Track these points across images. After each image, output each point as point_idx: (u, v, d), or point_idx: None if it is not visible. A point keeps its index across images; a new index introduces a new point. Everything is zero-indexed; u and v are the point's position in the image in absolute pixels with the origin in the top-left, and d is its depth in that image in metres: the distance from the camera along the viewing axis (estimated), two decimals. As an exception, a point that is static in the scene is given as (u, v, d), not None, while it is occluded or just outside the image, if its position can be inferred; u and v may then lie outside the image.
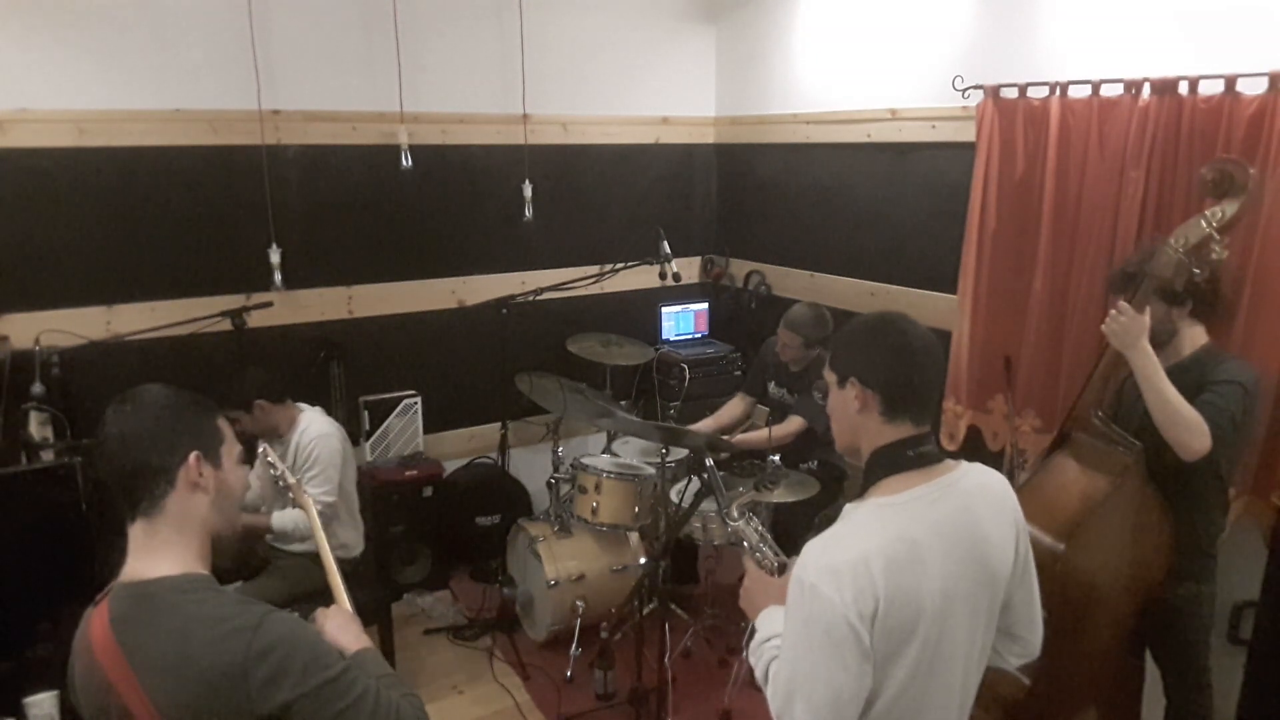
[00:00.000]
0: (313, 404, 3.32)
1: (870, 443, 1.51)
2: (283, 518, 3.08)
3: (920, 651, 1.42)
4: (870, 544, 1.40)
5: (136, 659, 1.30)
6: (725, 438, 3.70)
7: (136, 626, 1.32)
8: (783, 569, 1.76)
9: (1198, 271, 2.14)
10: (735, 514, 1.96)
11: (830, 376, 1.56)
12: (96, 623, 1.35)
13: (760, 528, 1.92)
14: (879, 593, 1.37)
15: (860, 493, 1.52)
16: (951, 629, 1.46)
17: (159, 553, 1.38)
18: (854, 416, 1.50)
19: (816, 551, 1.43)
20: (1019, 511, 1.58)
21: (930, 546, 1.42)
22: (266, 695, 1.27)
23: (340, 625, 1.58)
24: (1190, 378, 2.21)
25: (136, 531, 1.39)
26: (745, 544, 1.88)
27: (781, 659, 1.46)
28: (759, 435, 3.52)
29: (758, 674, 1.55)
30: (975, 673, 1.56)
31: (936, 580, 1.42)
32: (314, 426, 3.16)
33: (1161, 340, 2.25)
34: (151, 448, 1.38)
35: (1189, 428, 2.11)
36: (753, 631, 1.64)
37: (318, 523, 1.97)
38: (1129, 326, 2.18)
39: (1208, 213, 2.11)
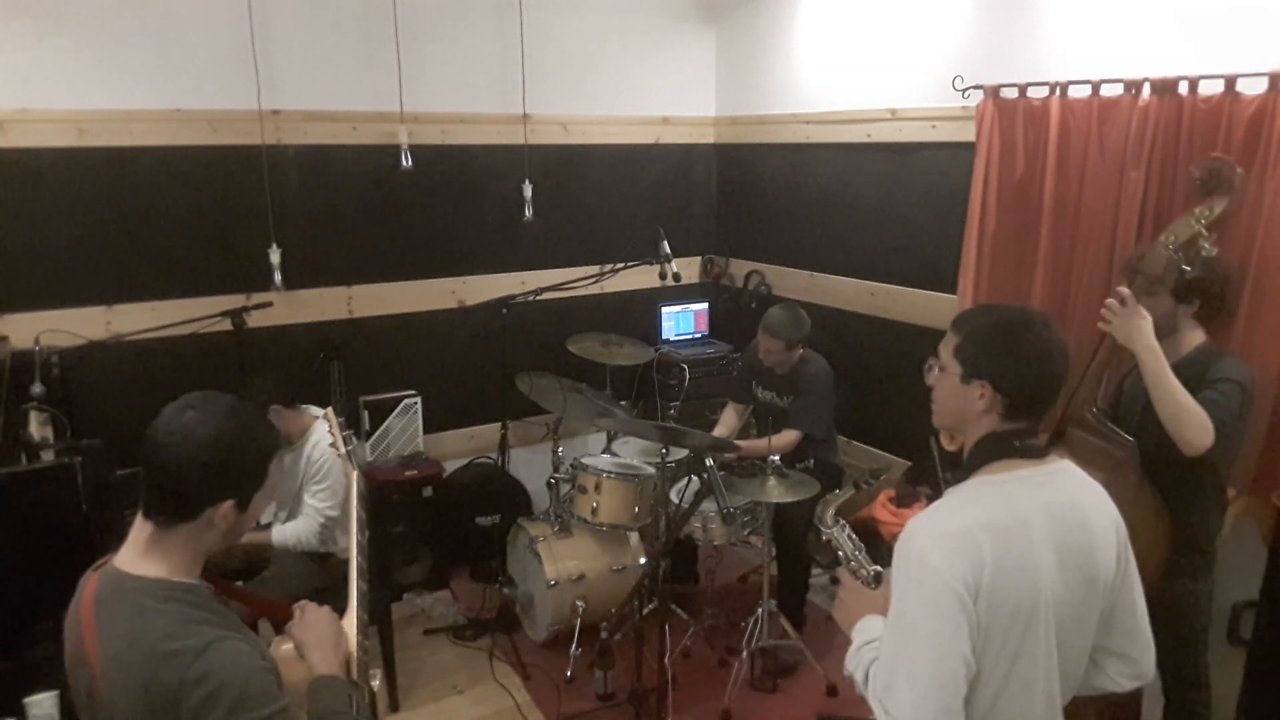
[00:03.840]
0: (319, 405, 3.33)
1: (978, 433, 1.51)
2: (283, 533, 3.12)
3: (1026, 634, 1.40)
4: (977, 515, 1.41)
5: (103, 648, 1.35)
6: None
7: (107, 615, 1.37)
8: (878, 579, 1.73)
9: (1188, 268, 2.18)
10: (829, 521, 1.91)
11: (953, 365, 1.52)
12: (87, 591, 1.40)
13: (854, 536, 1.88)
14: (985, 562, 1.36)
15: (964, 474, 1.52)
16: (1065, 616, 1.44)
17: (153, 555, 1.40)
18: (973, 413, 1.50)
19: (922, 523, 1.44)
20: (1120, 518, 1.55)
21: (1039, 526, 1.42)
22: None
23: (315, 640, 1.55)
24: (1188, 375, 2.21)
25: (144, 529, 1.41)
26: (840, 553, 1.85)
27: (884, 639, 1.45)
28: (759, 444, 3.52)
29: (857, 679, 1.51)
30: (1072, 675, 1.52)
31: (1049, 559, 1.41)
32: (325, 439, 3.15)
33: (1162, 334, 2.25)
34: (195, 483, 1.38)
35: (1194, 424, 2.12)
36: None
37: (355, 502, 1.94)
38: (1129, 316, 2.19)
39: (1197, 210, 2.16)
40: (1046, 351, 1.46)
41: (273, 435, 1.51)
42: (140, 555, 1.40)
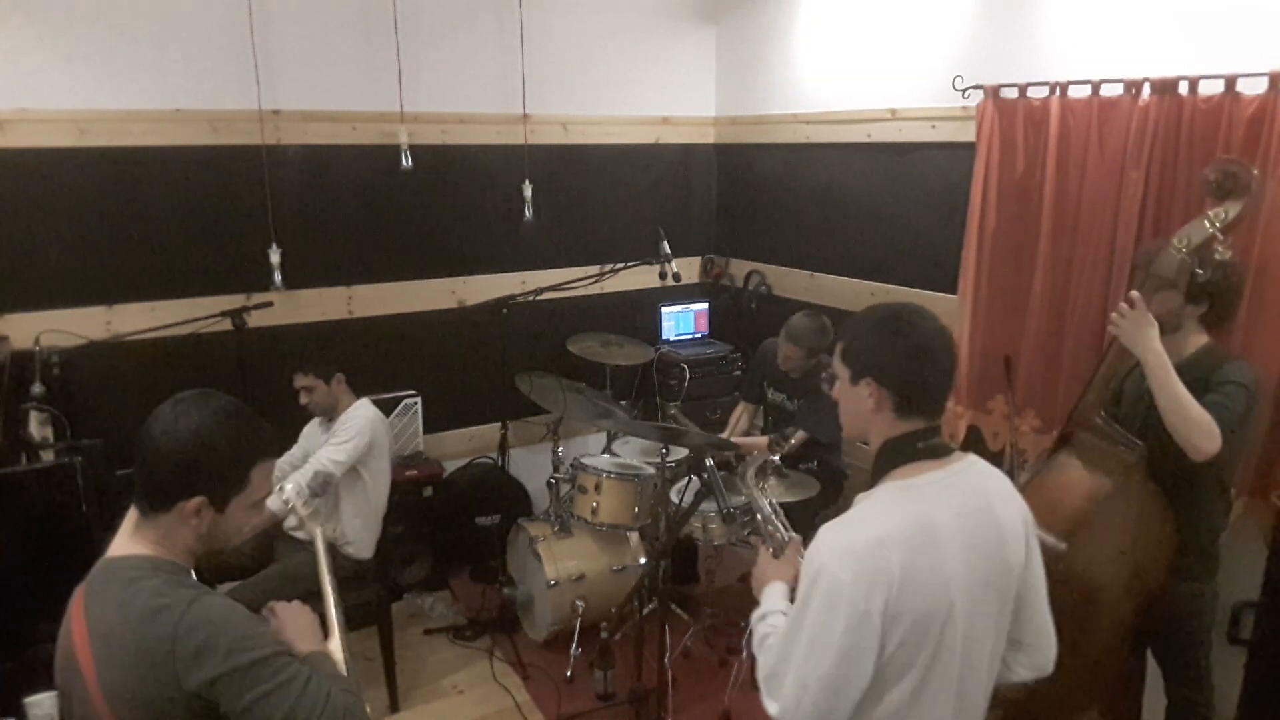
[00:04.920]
0: None
1: (880, 435, 1.51)
2: (281, 495, 3.12)
3: (941, 642, 1.41)
4: (887, 526, 1.40)
5: (92, 630, 1.37)
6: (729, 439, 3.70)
7: (97, 599, 1.39)
8: (781, 549, 1.77)
9: (1200, 272, 2.15)
10: (750, 480, 1.90)
11: (843, 370, 1.55)
12: (77, 595, 1.43)
13: (775, 502, 1.88)
14: (894, 577, 1.36)
15: (871, 482, 1.53)
16: (977, 618, 1.45)
17: (140, 539, 1.44)
18: (866, 413, 1.51)
19: (831, 533, 1.43)
20: (1026, 508, 1.58)
21: (950, 529, 1.42)
22: (192, 671, 1.31)
23: (295, 633, 1.57)
24: (1191, 377, 2.21)
25: (132, 515, 1.46)
26: (759, 515, 1.86)
27: (785, 630, 1.46)
28: (759, 442, 3.52)
29: (755, 642, 1.56)
30: (986, 673, 1.53)
31: (959, 566, 1.41)
32: (365, 410, 3.27)
33: (1164, 331, 2.25)
34: (166, 473, 1.41)
35: (1200, 429, 2.10)
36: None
37: (322, 549, 1.92)
38: (1139, 321, 2.18)
39: (1210, 213, 2.11)
40: (925, 345, 1.46)
41: (262, 443, 1.50)
42: (128, 539, 1.44)
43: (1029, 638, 1.58)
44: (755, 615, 1.62)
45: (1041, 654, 1.60)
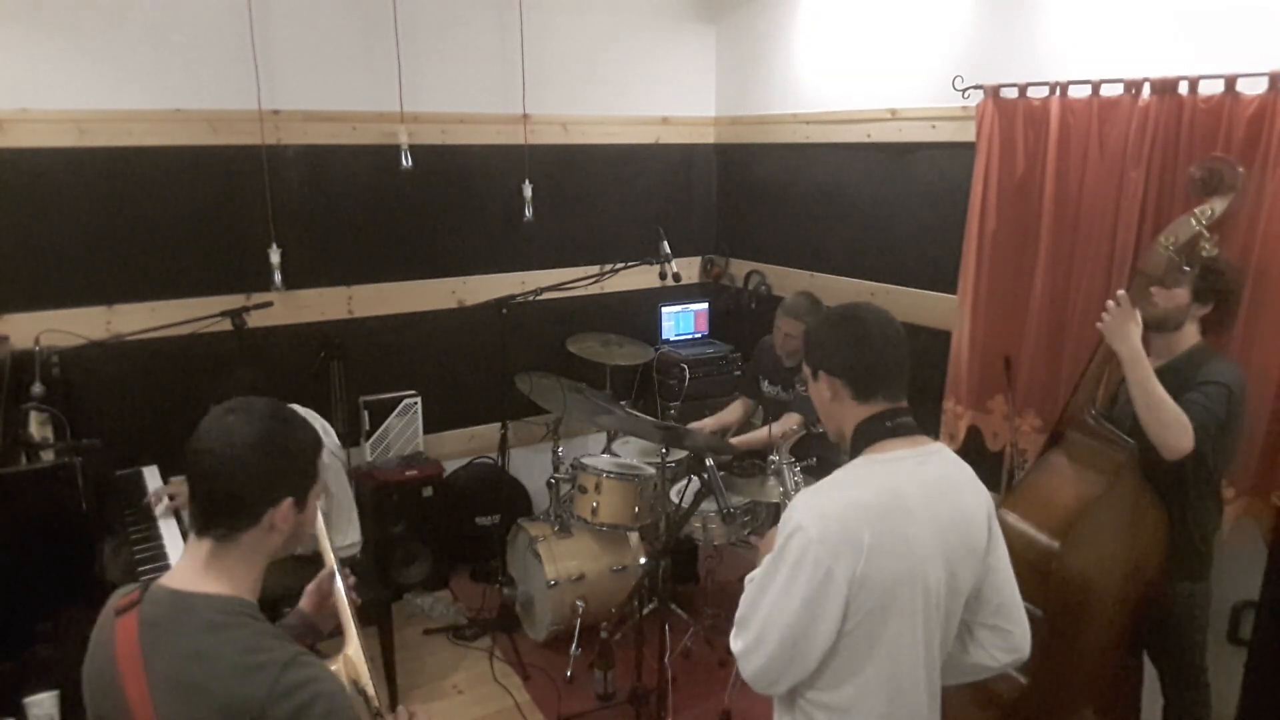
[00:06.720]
0: (306, 405, 3.36)
1: (851, 421, 1.60)
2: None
3: (913, 610, 1.47)
4: (860, 492, 1.49)
5: (155, 668, 1.28)
6: (725, 439, 3.69)
7: (165, 635, 1.30)
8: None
9: (1188, 269, 2.18)
10: (786, 456, 1.97)
11: (807, 370, 1.66)
12: (126, 620, 1.33)
13: (800, 478, 1.95)
14: (862, 544, 1.42)
15: (850, 459, 1.59)
16: (949, 591, 1.52)
17: (215, 572, 1.35)
18: (830, 404, 1.62)
19: (808, 496, 1.52)
20: (988, 496, 1.64)
21: (918, 503, 1.49)
22: None
23: None
24: (1179, 375, 2.22)
25: (201, 548, 1.35)
26: (782, 488, 1.93)
27: (759, 581, 1.52)
28: (759, 435, 3.52)
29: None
30: (944, 645, 1.59)
31: (929, 538, 1.48)
32: None
33: (1167, 327, 2.26)
34: (249, 484, 1.33)
35: (1172, 426, 2.12)
36: None
37: (328, 546, 1.89)
38: (1122, 318, 2.20)
39: (1197, 210, 2.15)
40: (865, 333, 1.57)
41: (313, 431, 1.45)
42: (200, 573, 1.34)
43: (1001, 622, 1.64)
44: (748, 577, 1.67)
45: (1014, 638, 1.65)
